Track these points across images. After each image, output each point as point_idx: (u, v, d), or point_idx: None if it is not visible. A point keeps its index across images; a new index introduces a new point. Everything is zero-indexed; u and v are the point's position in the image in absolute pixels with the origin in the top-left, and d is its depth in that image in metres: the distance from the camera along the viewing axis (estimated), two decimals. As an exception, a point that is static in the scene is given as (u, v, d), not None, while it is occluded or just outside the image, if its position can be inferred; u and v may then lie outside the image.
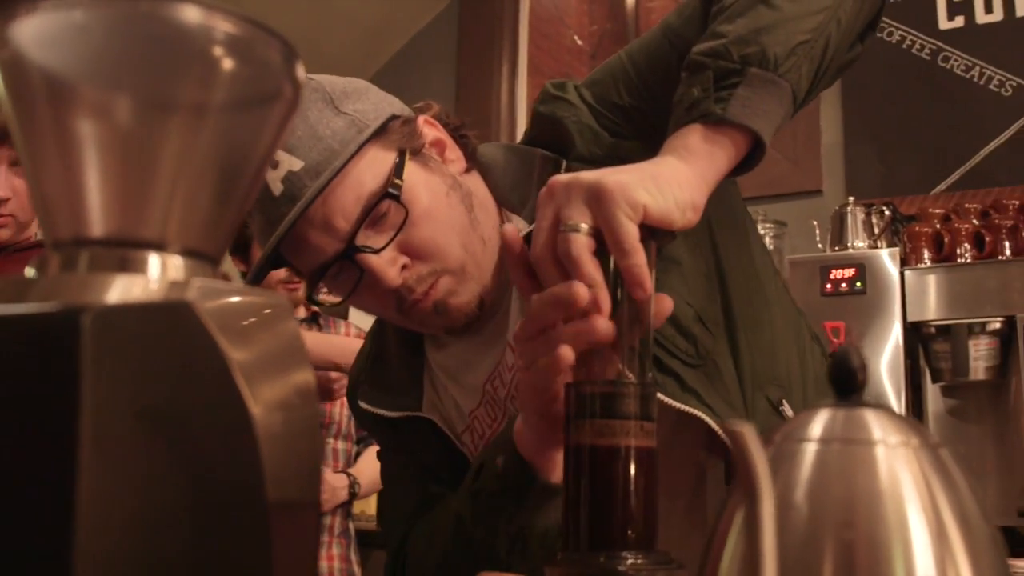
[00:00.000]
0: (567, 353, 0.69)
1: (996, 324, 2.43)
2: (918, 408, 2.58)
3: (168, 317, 0.42)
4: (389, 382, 1.09)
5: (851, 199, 2.82)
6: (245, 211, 0.50)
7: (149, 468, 0.40)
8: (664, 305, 0.72)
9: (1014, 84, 2.99)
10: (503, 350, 1.00)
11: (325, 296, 1.02)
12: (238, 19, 0.45)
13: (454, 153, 1.02)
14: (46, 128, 0.46)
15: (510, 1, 4.00)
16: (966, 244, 2.57)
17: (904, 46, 3.15)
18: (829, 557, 0.44)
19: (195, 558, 0.41)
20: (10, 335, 0.39)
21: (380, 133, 0.93)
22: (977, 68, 3.04)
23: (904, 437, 0.46)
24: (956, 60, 3.07)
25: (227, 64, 0.46)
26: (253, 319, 0.45)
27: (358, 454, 2.57)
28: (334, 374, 2.06)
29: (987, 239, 2.56)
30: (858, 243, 2.72)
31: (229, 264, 2.44)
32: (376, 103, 0.96)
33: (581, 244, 0.68)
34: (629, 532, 0.65)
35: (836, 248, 2.75)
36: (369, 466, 2.46)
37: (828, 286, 2.62)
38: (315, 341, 2.11)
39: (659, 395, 0.84)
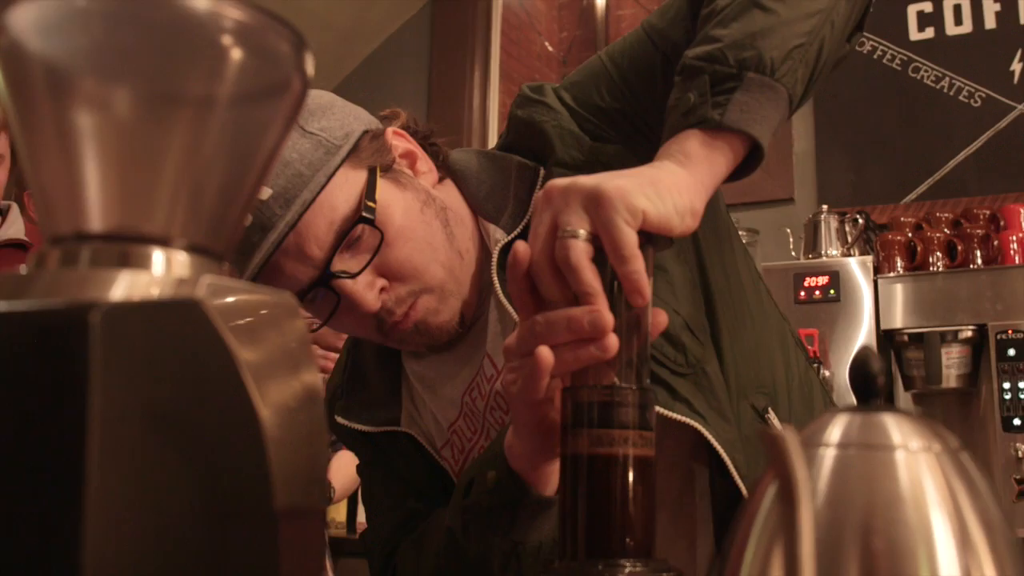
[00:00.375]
0: (546, 354, 0.67)
1: (968, 332, 2.45)
2: (889, 415, 2.59)
3: (177, 315, 0.40)
4: (366, 395, 1.07)
5: (825, 207, 2.83)
6: (251, 207, 0.48)
7: (158, 472, 0.38)
8: (659, 319, 0.71)
9: (983, 95, 3.03)
10: (481, 360, 0.99)
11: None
12: (246, 6, 0.44)
13: (425, 164, 0.99)
14: (46, 119, 0.44)
15: (482, 6, 4.00)
16: (938, 253, 2.60)
17: (875, 56, 3.17)
18: (851, 565, 0.43)
19: (203, 564, 0.40)
20: (13, 332, 0.37)
21: (350, 153, 0.91)
22: (947, 79, 3.07)
23: (925, 442, 0.46)
24: (926, 71, 3.10)
25: (235, 54, 0.44)
26: (261, 318, 0.44)
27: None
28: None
29: (959, 248, 2.58)
30: (831, 251, 2.73)
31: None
32: (342, 119, 0.93)
33: (580, 250, 0.66)
34: (627, 540, 0.64)
35: (810, 256, 2.77)
36: (340, 471, 2.43)
37: (802, 294, 2.63)
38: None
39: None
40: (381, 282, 0.91)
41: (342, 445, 2.24)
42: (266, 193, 0.86)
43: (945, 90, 3.08)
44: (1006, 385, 2.37)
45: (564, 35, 5.27)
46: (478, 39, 3.96)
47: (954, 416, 2.58)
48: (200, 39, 0.44)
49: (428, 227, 0.93)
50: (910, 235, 2.69)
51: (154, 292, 0.41)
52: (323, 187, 0.88)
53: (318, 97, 0.94)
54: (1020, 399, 2.35)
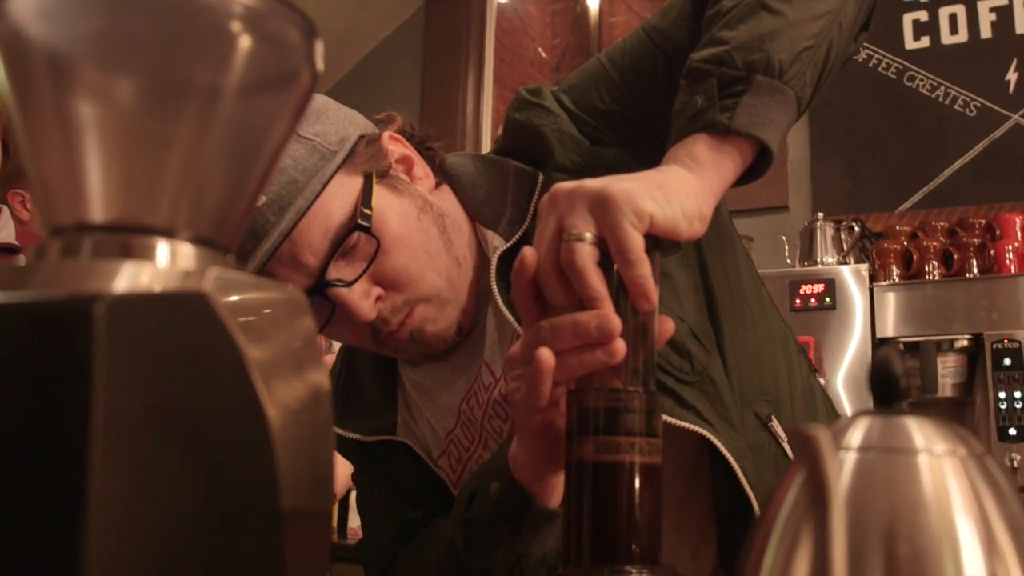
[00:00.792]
0: (547, 355, 0.65)
1: (963, 342, 2.44)
2: (883, 424, 2.59)
3: (183, 309, 0.39)
4: (361, 404, 1.05)
5: (820, 215, 2.83)
6: (257, 198, 0.47)
7: (162, 470, 0.37)
8: (665, 326, 0.69)
9: (978, 104, 3.03)
10: (479, 369, 0.97)
11: None
12: (255, -9, 0.42)
13: (422, 169, 0.97)
14: (47, 108, 0.43)
15: (476, 11, 3.99)
16: (934, 261, 2.59)
17: (871, 65, 3.17)
18: (875, 571, 0.42)
19: (207, 564, 0.38)
20: (12, 325, 0.36)
21: (346, 158, 0.89)
22: (942, 88, 3.08)
23: (950, 446, 0.44)
24: (922, 80, 3.11)
25: (244, 41, 0.43)
26: (270, 314, 0.42)
27: None
28: None
29: (955, 257, 2.58)
30: (827, 259, 2.73)
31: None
32: (337, 123, 0.91)
33: (586, 254, 0.65)
34: (633, 547, 0.63)
35: (805, 263, 2.76)
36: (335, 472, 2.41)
37: (797, 301, 2.63)
38: None
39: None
40: (377, 291, 0.89)
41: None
42: (260, 200, 0.85)
43: (940, 99, 3.08)
44: (1001, 395, 2.36)
45: (557, 41, 5.27)
46: (472, 44, 3.96)
47: (948, 425, 2.57)
48: (207, 25, 0.42)
49: (425, 234, 0.92)
50: (906, 243, 2.69)
51: (159, 284, 0.40)
52: (318, 194, 0.86)
53: (312, 101, 0.92)
54: (1016, 408, 2.34)
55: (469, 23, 3.96)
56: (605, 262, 0.66)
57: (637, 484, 0.63)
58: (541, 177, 0.93)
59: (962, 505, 0.43)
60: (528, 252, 0.68)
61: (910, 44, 3.15)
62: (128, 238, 0.41)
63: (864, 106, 3.16)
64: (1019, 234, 2.59)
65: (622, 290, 0.66)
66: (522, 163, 0.96)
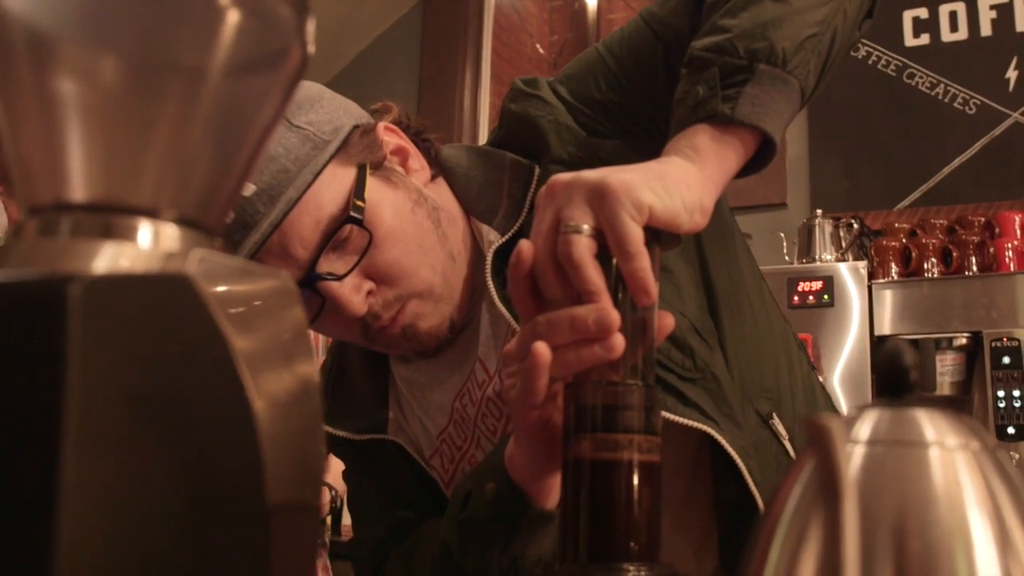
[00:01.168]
0: (543, 349, 0.63)
1: (962, 340, 2.43)
2: (881, 422, 2.58)
3: (165, 291, 0.37)
4: (352, 401, 1.03)
5: (819, 212, 2.82)
6: (244, 180, 0.45)
7: (139, 460, 0.35)
8: (665, 322, 0.67)
9: (978, 102, 3.02)
10: (472, 365, 0.95)
11: None
12: (244, -35, 0.41)
13: (417, 161, 0.95)
14: (26, 84, 0.41)
15: (474, 7, 3.97)
16: (933, 259, 2.58)
17: (870, 62, 3.16)
18: (885, 568, 0.40)
19: (188, 558, 0.37)
20: (-15, 305, 0.34)
21: (339, 148, 0.87)
22: (942, 85, 3.07)
23: (962, 439, 0.43)
24: (921, 77, 3.09)
25: (231, 17, 0.41)
26: (258, 301, 0.41)
27: None
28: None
29: (954, 255, 2.57)
30: (826, 256, 2.71)
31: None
32: (331, 112, 0.89)
33: (583, 246, 0.63)
34: (631, 544, 0.62)
35: (804, 260, 2.75)
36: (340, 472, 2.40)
37: (795, 298, 2.61)
38: None
39: (662, 412, 0.80)
40: (368, 285, 0.87)
41: None
42: (250, 189, 0.83)
43: (940, 97, 3.07)
44: (1000, 393, 2.35)
45: (555, 38, 5.25)
46: (469, 40, 3.94)
47: (946, 424, 2.56)
48: (194, 1, 0.41)
49: (419, 228, 0.90)
50: (904, 241, 2.67)
51: (140, 266, 0.38)
52: (310, 185, 0.84)
53: (306, 89, 0.90)
54: (1014, 407, 2.33)
55: (466, 19, 3.95)
56: (604, 255, 0.65)
57: (636, 482, 0.61)
58: (537, 170, 0.91)
59: (975, 500, 0.41)
60: (524, 245, 0.66)
61: (910, 41, 3.14)
62: (109, 218, 0.40)
63: (863, 103, 3.14)
64: (1018, 232, 2.58)
65: (621, 284, 0.65)
66: (518, 155, 0.94)
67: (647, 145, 0.81)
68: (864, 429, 0.44)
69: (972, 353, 2.45)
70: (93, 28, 0.41)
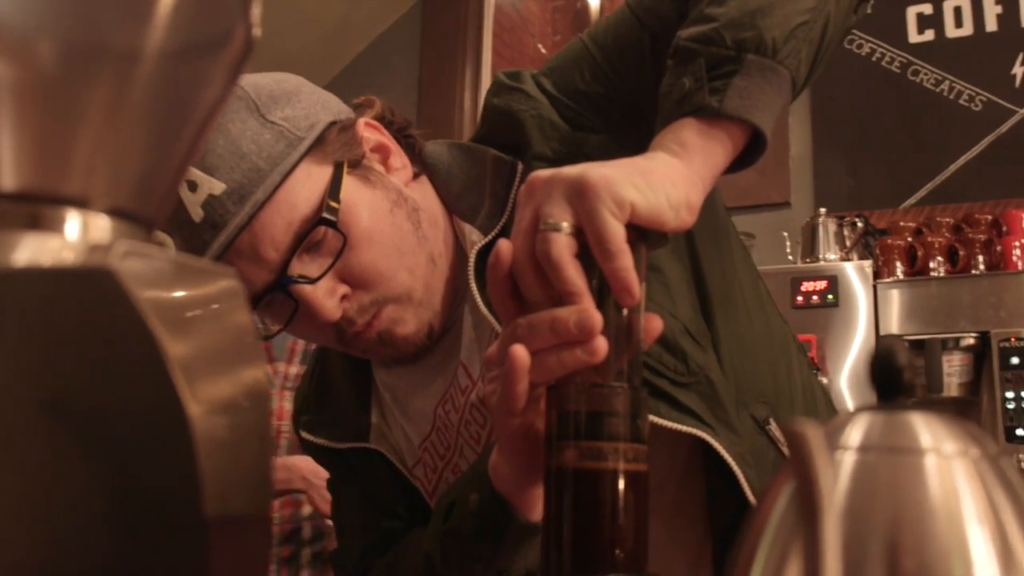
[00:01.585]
0: (521, 352, 0.60)
1: (970, 340, 2.39)
2: (887, 424, 2.54)
3: (84, 285, 0.34)
4: (334, 408, 1.00)
5: (823, 210, 2.78)
6: (185, 168, 0.42)
7: (53, 467, 0.32)
8: (652, 324, 0.65)
9: (984, 99, 2.98)
10: (455, 371, 0.92)
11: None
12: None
13: (399, 159, 0.92)
14: (-54, 64, 0.38)
15: (473, 6, 3.95)
16: (939, 258, 2.54)
17: (874, 59, 3.13)
18: (876, 587, 0.37)
19: (117, 569, 0.34)
20: None
21: (315, 145, 0.84)
22: (947, 82, 3.03)
23: (961, 445, 0.39)
24: (926, 74, 3.06)
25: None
26: (195, 298, 0.38)
27: None
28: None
29: (961, 253, 2.53)
30: (830, 255, 2.68)
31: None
32: (308, 107, 0.85)
33: (562, 244, 0.60)
34: (617, 552, 0.59)
35: (807, 260, 2.71)
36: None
37: (799, 298, 2.58)
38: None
39: (653, 417, 0.77)
40: (343, 289, 0.84)
41: None
42: (219, 188, 0.80)
43: (945, 93, 3.03)
44: (1009, 394, 2.31)
45: (558, 38, 5.22)
46: (469, 39, 3.91)
47: (953, 426, 2.52)
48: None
49: (397, 230, 0.86)
50: (910, 240, 2.64)
51: (64, 258, 0.35)
52: (279, 185, 0.81)
53: (284, 82, 0.87)
54: (1023, 408, 2.29)
55: (466, 19, 3.92)
56: (587, 255, 0.62)
57: (621, 493, 0.58)
58: (520, 166, 0.88)
59: (975, 512, 0.38)
60: (503, 245, 0.63)
61: (914, 38, 3.10)
62: (36, 208, 0.37)
63: (867, 101, 3.11)
64: (1026, 230, 2.54)
65: (605, 285, 0.62)
66: (501, 151, 0.90)
67: (636, 139, 0.78)
68: (855, 434, 0.41)
69: (980, 353, 2.41)
70: (21, 8, 0.38)
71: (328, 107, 0.88)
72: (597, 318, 0.59)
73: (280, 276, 0.82)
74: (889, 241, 2.65)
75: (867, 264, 2.58)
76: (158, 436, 0.35)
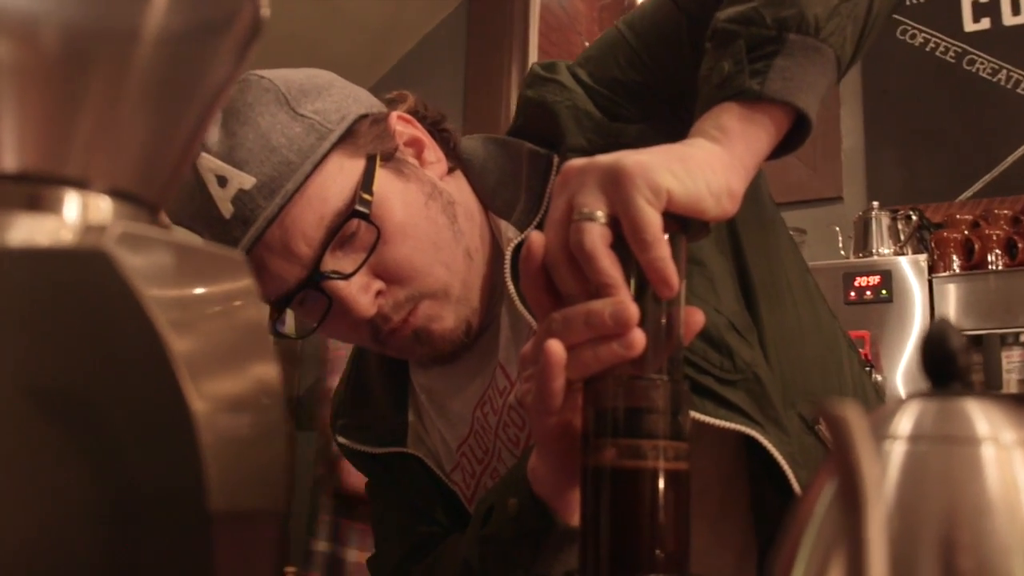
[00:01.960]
0: (556, 348, 0.58)
1: (1029, 334, 2.33)
2: (944, 423, 2.48)
3: (77, 268, 0.32)
4: (370, 412, 0.98)
5: (875, 204, 2.72)
6: (193, 153, 0.41)
7: (47, 459, 0.31)
8: (694, 318, 0.62)
9: (1043, 88, 2.90)
10: (493, 371, 0.89)
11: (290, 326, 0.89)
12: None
13: (433, 153, 0.90)
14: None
15: (519, 6, 3.92)
16: (997, 251, 2.47)
17: (927, 49, 3.05)
18: (929, 587, 0.34)
19: (108, 568, 0.32)
20: None
21: (346, 137, 0.82)
22: (1004, 71, 2.95)
23: (1021, 434, 0.36)
24: (982, 63, 2.98)
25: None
26: (197, 280, 0.36)
27: None
28: None
29: (1020, 246, 2.46)
30: (883, 250, 2.61)
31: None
32: (340, 101, 0.84)
33: (596, 234, 0.57)
34: (657, 553, 0.56)
35: (860, 255, 2.65)
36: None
37: (852, 294, 2.52)
38: None
39: (698, 415, 0.74)
40: (377, 284, 0.82)
41: None
42: (249, 182, 0.78)
43: (1002, 83, 2.95)
44: (1071, 391, 2.24)
45: (605, 37, 5.18)
46: (515, 39, 3.89)
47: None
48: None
49: (432, 223, 0.84)
50: (967, 232, 2.57)
51: (60, 239, 0.34)
52: (308, 176, 0.79)
53: (315, 77, 0.85)
54: (1086, 405, 2.21)
55: (512, 18, 3.90)
56: (623, 246, 0.59)
57: (661, 493, 0.56)
58: (556, 159, 0.85)
59: (1037, 506, 0.35)
60: (535, 237, 0.61)
61: (969, 26, 3.02)
62: (35, 189, 0.36)
63: (921, 92, 3.03)
64: (1087, 221, 2.47)
65: (643, 277, 0.59)
66: (537, 144, 0.88)
67: (676, 127, 0.76)
68: (905, 423, 0.38)
69: (1039, 349, 2.35)
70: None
71: (359, 100, 0.86)
72: (633, 309, 0.57)
73: (312, 272, 0.80)
74: (945, 234, 2.58)
75: (922, 258, 2.52)
76: (156, 427, 0.33)
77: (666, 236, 0.59)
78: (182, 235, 0.37)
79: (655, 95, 0.84)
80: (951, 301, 2.44)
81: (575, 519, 0.69)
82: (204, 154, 0.79)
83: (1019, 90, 2.92)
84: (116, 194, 0.37)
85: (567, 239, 0.59)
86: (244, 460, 0.36)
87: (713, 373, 0.78)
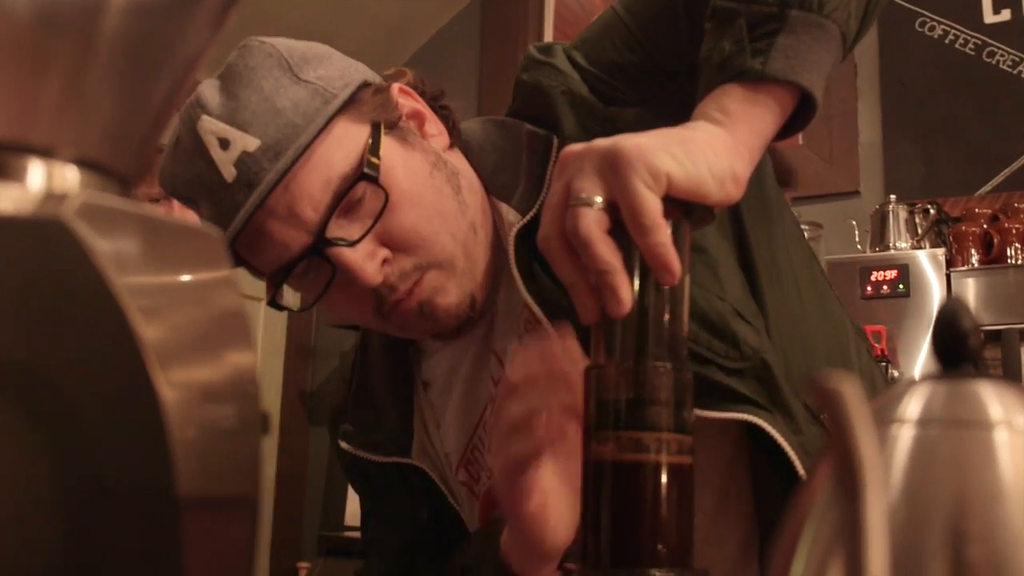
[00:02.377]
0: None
1: (1050, 330, 2.29)
2: (962, 419, 2.45)
3: (33, 237, 0.30)
4: (374, 416, 0.96)
5: (892, 197, 2.68)
6: (164, 122, 0.39)
7: (2, 440, 0.29)
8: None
9: (1064, 81, 2.85)
10: (489, 359, 0.88)
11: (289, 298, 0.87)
12: None
13: (435, 127, 0.88)
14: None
15: (534, 0, 3.90)
16: (1016, 245, 2.43)
17: (947, 41, 3.01)
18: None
19: (67, 554, 0.31)
20: None
21: (350, 104, 0.80)
22: (1025, 64, 2.90)
23: (1036, 418, 0.34)
24: (1002, 55, 2.93)
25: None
26: (164, 251, 0.34)
27: None
28: None
29: (1040, 240, 2.42)
30: (900, 244, 2.58)
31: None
32: (342, 68, 0.82)
33: (591, 220, 0.56)
34: (659, 547, 0.54)
35: (877, 249, 2.62)
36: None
37: (868, 288, 2.49)
38: None
39: (699, 411, 0.73)
40: (384, 252, 0.80)
41: None
42: (253, 144, 0.76)
43: (1023, 75, 2.90)
44: (1092, 386, 2.20)
45: (621, 31, 5.15)
46: (530, 34, 3.87)
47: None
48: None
49: (438, 192, 0.82)
50: (985, 226, 2.53)
51: (21, 208, 0.32)
52: (315, 138, 0.77)
53: (315, 47, 0.84)
54: (1108, 401, 2.18)
55: (527, 12, 3.88)
56: (623, 232, 0.57)
57: (664, 487, 0.54)
58: (556, 141, 0.83)
59: (1053, 494, 0.33)
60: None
61: (989, 18, 2.97)
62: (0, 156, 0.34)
63: (940, 85, 2.99)
64: (1109, 216, 2.42)
65: (644, 265, 0.57)
66: (534, 127, 0.86)
67: (675, 109, 0.74)
68: (913, 406, 0.36)
69: (1060, 344, 2.31)
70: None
71: (360, 70, 0.85)
72: (627, 288, 0.56)
73: (318, 238, 0.78)
74: (964, 228, 2.54)
75: (940, 252, 2.48)
76: (118, 405, 0.31)
77: (669, 222, 0.58)
78: (153, 209, 0.35)
79: (650, 76, 0.82)
80: (970, 296, 2.41)
81: None
82: (204, 116, 0.77)
83: (1040, 83, 2.88)
84: (84, 164, 0.35)
85: (563, 225, 0.58)
86: (216, 448, 0.35)
87: (718, 362, 0.76)
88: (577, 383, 0.59)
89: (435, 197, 0.82)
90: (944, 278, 2.44)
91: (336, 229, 0.79)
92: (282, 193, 0.77)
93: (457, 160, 0.88)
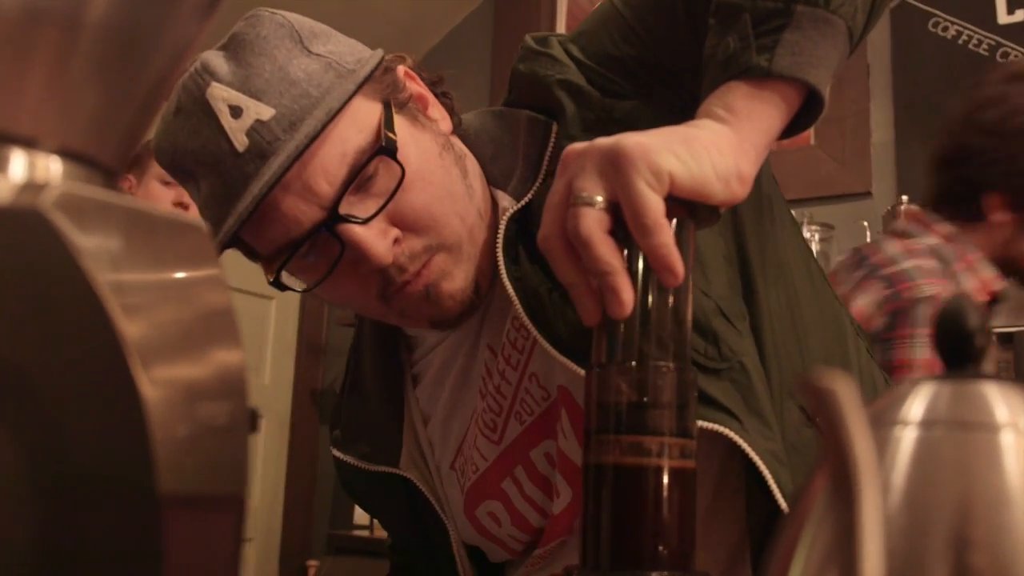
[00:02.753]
0: None
1: (1063, 332, 2.27)
2: (975, 423, 2.42)
3: (11, 229, 0.30)
4: (366, 423, 0.96)
5: (905, 198, 2.66)
6: (151, 113, 0.38)
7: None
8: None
9: (1079, 81, 2.83)
10: (481, 352, 0.87)
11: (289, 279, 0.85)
12: None
13: (438, 111, 0.86)
14: None
15: (547, 1, 3.90)
16: (1030, 246, 2.41)
17: (960, 41, 2.99)
18: (939, 586, 0.31)
19: (47, 553, 0.30)
20: None
21: (368, 79, 0.78)
22: (1040, 64, 2.88)
23: (1044, 420, 0.33)
24: (1017, 56, 2.91)
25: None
26: (147, 243, 0.34)
27: None
28: None
29: (1053, 241, 2.39)
30: (912, 245, 2.56)
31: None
32: (350, 46, 0.81)
33: (592, 220, 0.55)
34: (660, 549, 0.54)
35: (888, 250, 2.60)
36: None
37: (880, 290, 2.47)
38: None
39: None
40: (394, 232, 0.77)
41: None
42: (267, 113, 0.74)
43: (1037, 76, 2.88)
44: (1106, 390, 2.18)
45: (634, 32, 5.14)
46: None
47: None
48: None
49: (447, 173, 0.80)
50: (999, 228, 2.51)
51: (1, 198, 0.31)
52: (337, 111, 0.74)
53: (320, 24, 0.83)
54: (1123, 405, 2.16)
55: (539, 12, 3.87)
56: (626, 232, 0.57)
57: (665, 492, 0.54)
58: (555, 127, 0.82)
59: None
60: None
61: (1003, 18, 2.95)
62: (-19, 147, 0.33)
63: (954, 86, 2.96)
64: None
65: (646, 267, 0.57)
66: None
67: (673, 103, 0.73)
68: (916, 407, 0.35)
69: (1074, 347, 2.28)
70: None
71: (365, 50, 0.83)
72: (629, 289, 0.55)
73: (331, 213, 0.76)
74: (976, 230, 2.53)
75: (953, 254, 2.46)
76: (98, 402, 0.30)
77: (673, 222, 0.57)
78: (138, 201, 0.34)
79: (648, 69, 0.81)
80: (982, 298, 2.39)
81: None
82: (214, 83, 0.74)
83: (1055, 84, 2.86)
84: (68, 155, 0.35)
85: (564, 225, 0.57)
86: (201, 446, 0.34)
87: (697, 360, 0.73)
88: None
89: (445, 178, 0.80)
90: (956, 280, 2.42)
91: (347, 206, 0.76)
92: (297, 165, 0.74)
93: (460, 146, 0.86)
